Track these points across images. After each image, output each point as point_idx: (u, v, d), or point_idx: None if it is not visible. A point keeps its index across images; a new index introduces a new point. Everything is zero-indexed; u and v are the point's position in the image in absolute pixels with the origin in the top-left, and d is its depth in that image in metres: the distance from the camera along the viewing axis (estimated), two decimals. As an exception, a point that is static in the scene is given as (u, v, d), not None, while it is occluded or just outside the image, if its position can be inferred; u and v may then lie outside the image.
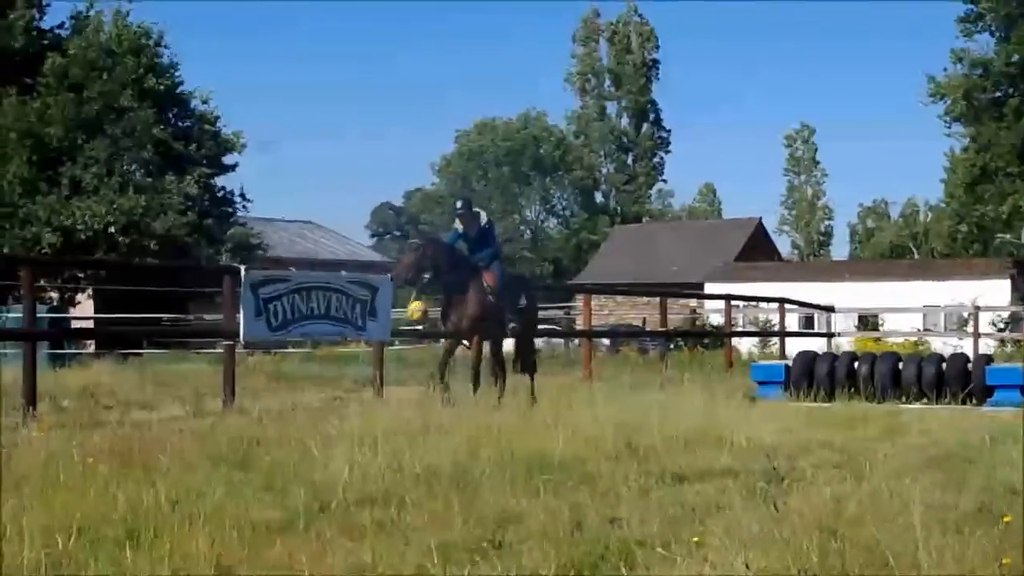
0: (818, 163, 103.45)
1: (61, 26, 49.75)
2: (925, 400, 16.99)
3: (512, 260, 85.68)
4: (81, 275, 41.98)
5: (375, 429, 9.85)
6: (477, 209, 15.92)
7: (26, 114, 43.60)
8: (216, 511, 6.73)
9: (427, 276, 14.77)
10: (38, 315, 15.63)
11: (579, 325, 43.02)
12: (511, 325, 15.62)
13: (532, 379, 16.02)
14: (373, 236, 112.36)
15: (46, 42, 48.18)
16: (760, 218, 75.84)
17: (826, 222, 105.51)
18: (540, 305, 25.42)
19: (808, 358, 18.71)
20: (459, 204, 16.00)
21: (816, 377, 18.00)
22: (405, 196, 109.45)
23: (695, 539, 6.25)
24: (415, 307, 15.51)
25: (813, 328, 44.07)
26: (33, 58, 46.64)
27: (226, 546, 6.08)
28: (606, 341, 43.62)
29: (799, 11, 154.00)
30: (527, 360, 16.46)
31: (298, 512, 6.79)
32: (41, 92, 44.73)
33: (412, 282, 14.87)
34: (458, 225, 15.64)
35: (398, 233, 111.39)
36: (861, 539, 6.10)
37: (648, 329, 45.30)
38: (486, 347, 15.59)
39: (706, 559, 5.88)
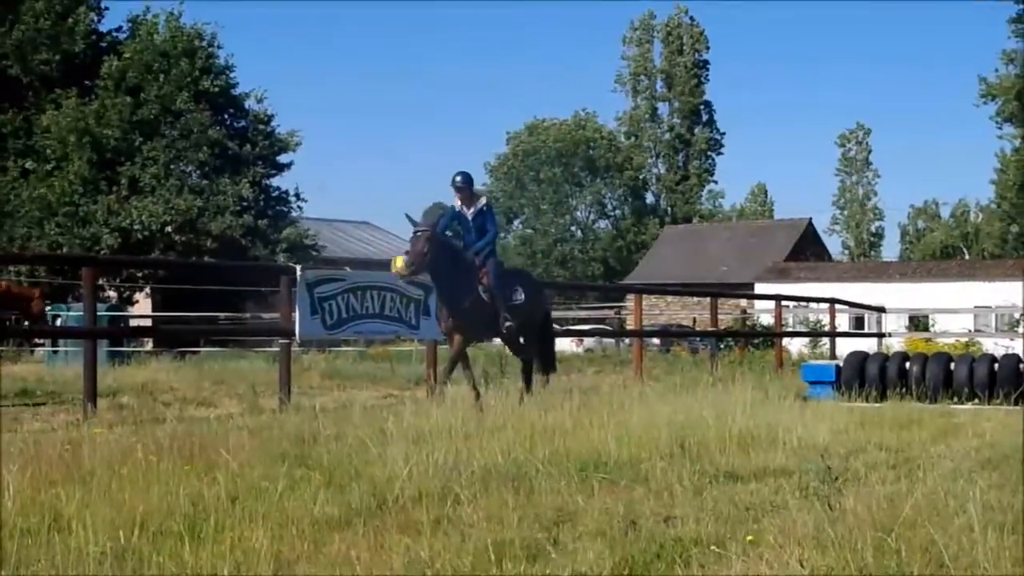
0: (870, 163, 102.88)
1: (119, 29, 50.20)
2: (977, 400, 16.84)
3: (564, 260, 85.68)
4: (139, 274, 42.31)
5: (430, 427, 9.89)
6: (478, 190, 15.20)
7: (85, 116, 44.03)
8: (276, 507, 6.79)
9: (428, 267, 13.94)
10: (98, 313, 15.69)
11: (630, 325, 43.05)
12: (507, 323, 14.37)
13: (527, 381, 15.12)
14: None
15: (104, 45, 48.61)
16: (810, 219, 75.53)
17: (877, 223, 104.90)
18: (587, 304, 25.17)
19: (859, 358, 18.59)
20: (459, 179, 14.60)
21: (867, 377, 17.89)
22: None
23: (750, 538, 6.22)
24: (400, 261, 14.70)
25: (863, 328, 43.88)
26: (91, 61, 47.11)
27: (286, 542, 6.11)
28: (656, 341, 43.63)
29: (855, 10, 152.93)
30: (525, 360, 15.43)
31: (356, 508, 6.81)
32: (99, 94, 45.16)
33: (419, 273, 14.14)
34: (456, 201, 14.73)
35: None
36: (917, 540, 6.05)
37: (698, 329, 45.22)
38: (459, 344, 14.48)
39: (762, 558, 5.86)
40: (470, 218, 14.47)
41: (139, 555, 5.81)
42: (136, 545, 5.94)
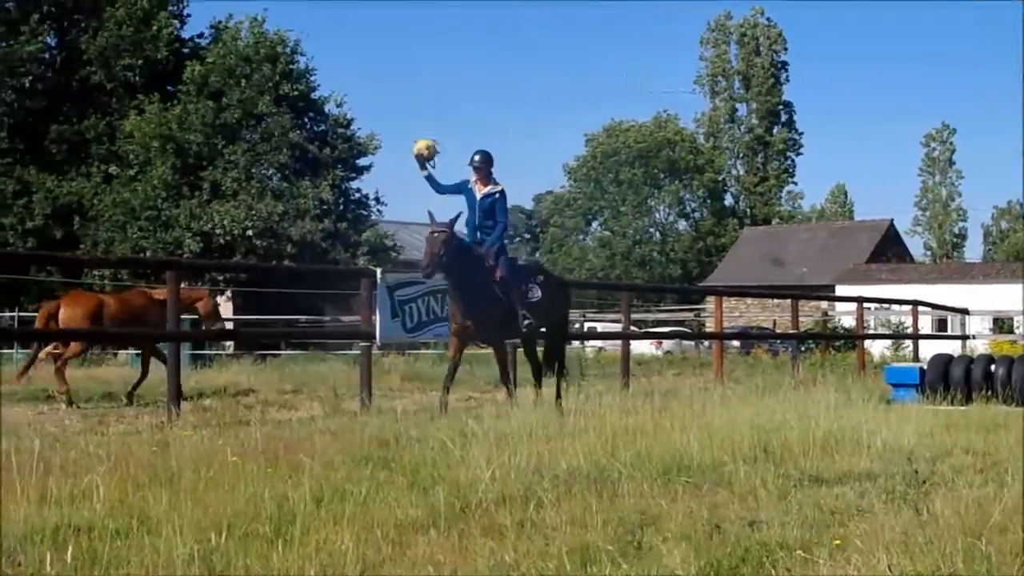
0: (954, 164, 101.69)
1: (201, 35, 50.91)
2: (1065, 404, 16.59)
3: (643, 262, 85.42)
4: (221, 278, 42.73)
5: (511, 429, 9.91)
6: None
7: (167, 121, 44.55)
8: (360, 509, 6.81)
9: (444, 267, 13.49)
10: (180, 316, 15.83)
11: (709, 327, 42.85)
12: (527, 322, 13.91)
13: (539, 383, 14.74)
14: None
15: (186, 51, 49.26)
16: (892, 219, 74.80)
17: (960, 224, 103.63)
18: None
19: (943, 361, 18.38)
20: (476, 157, 13.97)
21: (952, 380, 17.68)
22: (535, 199, 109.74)
23: (837, 542, 6.18)
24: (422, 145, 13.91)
25: (946, 331, 43.32)
26: (174, 67, 47.73)
27: (371, 544, 6.13)
28: (736, 343, 43.40)
29: (940, 10, 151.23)
30: (534, 363, 15.04)
31: (440, 511, 6.82)
32: (181, 99, 45.72)
33: (433, 275, 13.74)
34: (470, 176, 14.05)
35: (527, 236, 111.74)
36: (1008, 544, 5.98)
37: (779, 331, 44.92)
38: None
39: (849, 562, 5.82)
40: (478, 197, 13.91)
41: (226, 557, 5.86)
42: (223, 547, 5.99)
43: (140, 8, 47.36)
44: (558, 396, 14.19)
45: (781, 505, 7.37)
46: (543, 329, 14.84)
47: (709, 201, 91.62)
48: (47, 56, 49.51)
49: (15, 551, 5.94)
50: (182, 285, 16.69)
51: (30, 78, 47.06)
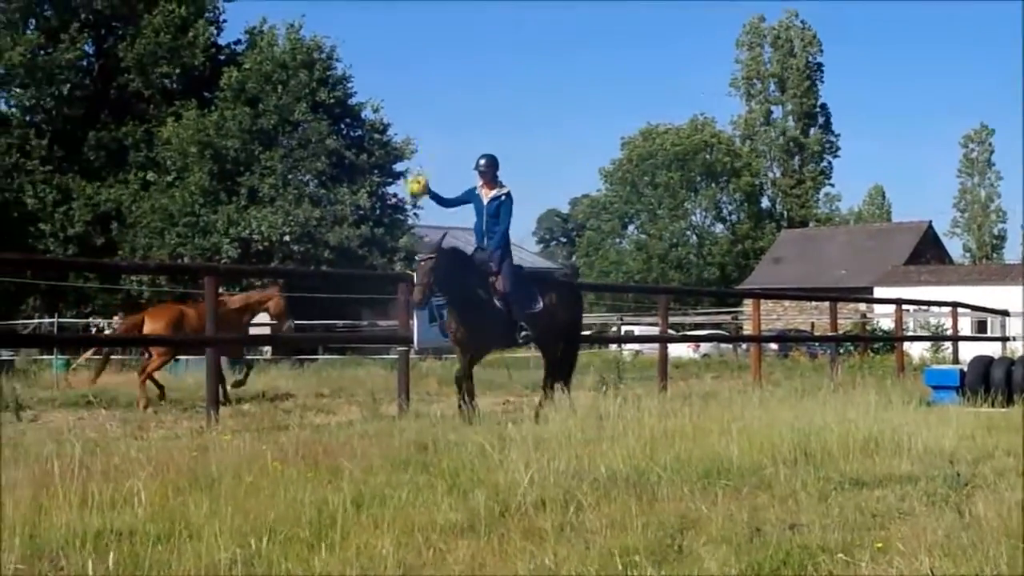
0: (993, 165, 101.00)
1: (237, 42, 51.25)
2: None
3: (680, 265, 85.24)
4: (258, 283, 42.88)
5: (550, 433, 9.90)
6: (501, 178, 13.92)
7: (205, 127, 44.76)
8: (400, 513, 6.84)
9: (437, 296, 13.35)
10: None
11: (747, 330, 42.73)
12: (523, 333, 13.75)
13: (546, 391, 14.46)
14: (540, 243, 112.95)
15: (223, 58, 49.58)
16: (930, 221, 74.48)
17: (999, 225, 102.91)
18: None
19: (984, 363, 18.26)
20: (482, 161, 13.87)
21: (992, 382, 17.56)
22: (571, 203, 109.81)
23: (879, 545, 6.15)
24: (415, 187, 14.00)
25: (986, 332, 43.04)
26: (211, 73, 48.00)
27: (411, 548, 6.15)
28: (774, 346, 43.26)
29: (977, 9, 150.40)
30: (552, 369, 14.74)
31: (480, 515, 6.82)
32: (219, 106, 45.98)
33: (424, 305, 13.49)
34: (477, 181, 13.92)
35: (564, 240, 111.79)
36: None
37: (817, 334, 44.75)
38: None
39: (891, 565, 5.79)
40: (485, 202, 13.78)
41: (267, 561, 5.88)
42: (264, 551, 6.01)
43: (177, 16, 47.64)
44: (544, 399, 14.06)
45: (822, 508, 7.34)
46: (551, 334, 14.58)
47: (746, 204, 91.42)
48: (85, 64, 49.86)
49: (57, 556, 5.98)
50: (142, 292, 16.76)
51: (69, 86, 47.37)
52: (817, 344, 40.08)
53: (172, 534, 6.32)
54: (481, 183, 13.86)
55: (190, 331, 18.17)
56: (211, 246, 43.74)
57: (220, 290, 17.47)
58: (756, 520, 6.86)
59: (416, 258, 13.26)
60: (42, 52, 47.16)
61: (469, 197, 13.97)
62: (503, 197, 13.80)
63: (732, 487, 7.90)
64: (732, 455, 8.94)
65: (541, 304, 14.08)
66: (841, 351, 31.06)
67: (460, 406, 13.15)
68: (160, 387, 18.47)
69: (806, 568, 5.84)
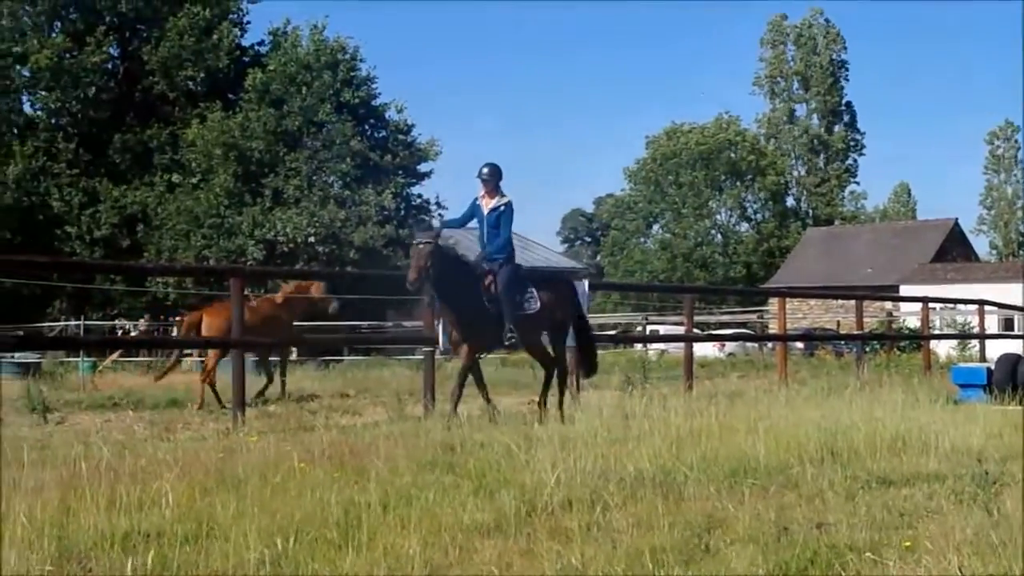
0: (1019, 161, 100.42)
1: (261, 43, 51.42)
2: None
3: (705, 264, 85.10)
4: (284, 284, 42.96)
5: (576, 433, 9.89)
6: (503, 187, 13.75)
7: (230, 129, 44.86)
8: (427, 514, 6.84)
9: (431, 282, 13.15)
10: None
11: (773, 329, 42.61)
12: (510, 336, 13.49)
13: (559, 392, 14.32)
14: (564, 243, 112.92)
15: (247, 59, 49.76)
16: (956, 219, 74.14)
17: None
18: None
19: (1011, 360, 18.17)
20: (485, 170, 13.76)
21: (1020, 379, 17.48)
22: (596, 202, 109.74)
23: (907, 543, 6.13)
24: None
25: (1013, 330, 42.89)
26: (235, 75, 48.15)
27: (438, 548, 6.16)
28: (800, 345, 43.12)
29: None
30: (548, 370, 14.43)
31: (506, 515, 6.83)
32: (243, 107, 46.12)
33: (421, 287, 13.31)
34: (479, 189, 13.85)
35: (588, 239, 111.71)
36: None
37: (842, 332, 44.60)
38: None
39: (919, 563, 5.77)
40: (485, 212, 13.68)
41: (294, 562, 5.90)
42: (291, 552, 6.03)
43: (202, 18, 47.81)
44: (542, 401, 14.00)
45: (849, 507, 7.31)
46: (547, 334, 14.45)
47: (771, 203, 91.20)
48: (111, 67, 50.34)
49: (86, 557, 6.01)
50: (168, 293, 16.84)
51: (94, 89, 47.80)
52: (843, 343, 39.95)
53: (200, 535, 6.35)
54: (483, 192, 13.79)
55: (248, 328, 18.45)
56: (236, 248, 43.83)
57: (246, 291, 17.58)
58: (783, 519, 6.85)
59: (414, 241, 13.17)
60: (68, 55, 47.61)
61: (473, 210, 13.92)
62: (503, 207, 13.70)
63: (759, 486, 7.88)
64: (759, 454, 8.91)
65: (538, 304, 13.90)
66: (867, 350, 30.96)
67: (454, 399, 13.18)
68: (218, 398, 18.42)
69: (834, 567, 5.82)
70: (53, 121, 49.00)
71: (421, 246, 12.90)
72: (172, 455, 9.03)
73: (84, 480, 7.52)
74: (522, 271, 14.39)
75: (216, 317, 19.07)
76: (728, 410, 11.97)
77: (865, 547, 6.11)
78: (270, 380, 19.57)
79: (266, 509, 6.83)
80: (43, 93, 48.25)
